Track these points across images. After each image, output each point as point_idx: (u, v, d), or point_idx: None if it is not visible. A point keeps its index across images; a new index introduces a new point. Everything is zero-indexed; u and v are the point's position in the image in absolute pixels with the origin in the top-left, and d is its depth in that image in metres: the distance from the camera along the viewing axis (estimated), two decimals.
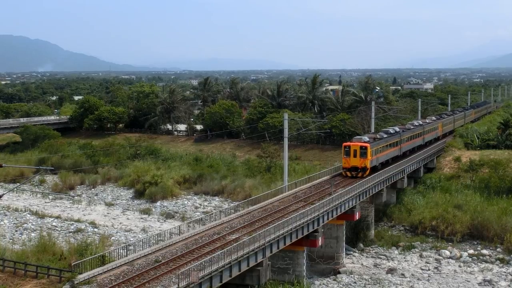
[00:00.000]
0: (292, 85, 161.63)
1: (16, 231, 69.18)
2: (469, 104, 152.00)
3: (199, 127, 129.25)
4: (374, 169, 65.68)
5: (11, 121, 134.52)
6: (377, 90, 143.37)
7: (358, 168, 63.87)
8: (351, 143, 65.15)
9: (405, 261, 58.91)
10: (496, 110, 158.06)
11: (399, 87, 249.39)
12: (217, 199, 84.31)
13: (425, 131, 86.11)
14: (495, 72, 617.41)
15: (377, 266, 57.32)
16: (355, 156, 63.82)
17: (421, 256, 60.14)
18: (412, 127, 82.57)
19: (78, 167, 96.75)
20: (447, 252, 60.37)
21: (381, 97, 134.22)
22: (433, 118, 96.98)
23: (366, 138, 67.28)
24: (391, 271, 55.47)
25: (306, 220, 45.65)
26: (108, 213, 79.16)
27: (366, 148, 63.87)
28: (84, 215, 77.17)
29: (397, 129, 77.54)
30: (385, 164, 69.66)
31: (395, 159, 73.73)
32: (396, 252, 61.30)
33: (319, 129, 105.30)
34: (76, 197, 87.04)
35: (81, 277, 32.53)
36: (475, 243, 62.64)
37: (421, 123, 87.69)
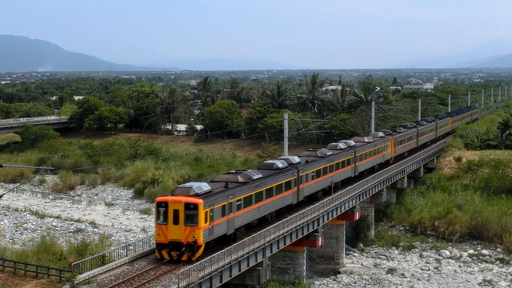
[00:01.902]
0: (292, 85, 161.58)
1: (16, 231, 69.17)
2: (449, 110, 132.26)
3: (199, 127, 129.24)
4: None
5: (11, 121, 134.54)
6: (377, 90, 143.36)
7: (183, 244, 35.65)
8: (170, 198, 36.48)
9: (405, 261, 58.92)
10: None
11: (399, 87, 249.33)
12: None
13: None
14: (495, 72, 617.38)
15: (377, 266, 57.32)
16: (176, 222, 35.79)
17: (421, 256, 60.16)
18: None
19: (78, 167, 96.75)
20: (447, 252, 60.38)
21: (381, 97, 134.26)
22: (380, 134, 72.48)
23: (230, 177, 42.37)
24: (391, 271, 55.48)
25: (306, 220, 45.65)
26: (108, 213, 79.15)
27: (196, 207, 35.45)
28: (84, 215, 77.16)
29: (352, 142, 62.87)
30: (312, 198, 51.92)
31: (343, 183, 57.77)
32: (396, 252, 61.31)
33: (319, 129, 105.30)
34: (76, 197, 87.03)
35: (81, 277, 32.51)
36: (475, 243, 62.65)
37: (353, 143, 63.41)
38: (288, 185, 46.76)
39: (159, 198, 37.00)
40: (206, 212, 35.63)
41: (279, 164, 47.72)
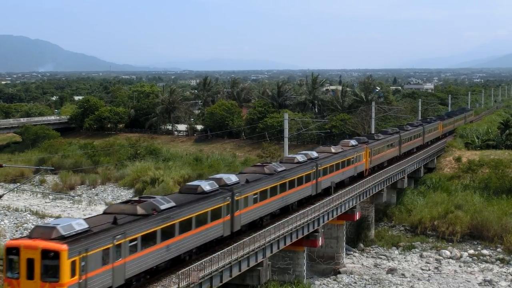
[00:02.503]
0: (293, 85, 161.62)
1: (17, 231, 69.15)
2: (436, 114, 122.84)
3: (199, 127, 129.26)
4: None
5: (12, 121, 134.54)
6: (377, 90, 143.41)
7: None
8: (24, 242, 26.58)
9: (405, 261, 58.92)
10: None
11: (400, 87, 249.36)
12: None
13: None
14: (495, 72, 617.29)
15: (378, 266, 57.33)
16: (30, 276, 26.11)
17: (421, 256, 60.16)
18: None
19: (78, 167, 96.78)
20: (447, 252, 60.39)
21: (381, 97, 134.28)
22: (352, 142, 63.35)
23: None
24: (391, 271, 55.49)
25: (306, 220, 45.65)
26: None
27: (57, 255, 25.82)
28: (85, 215, 77.09)
29: (315, 153, 54.37)
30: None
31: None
32: (396, 252, 61.31)
33: (319, 129, 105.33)
34: (76, 197, 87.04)
35: None
36: (475, 243, 62.67)
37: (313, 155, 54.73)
38: (216, 214, 36.61)
39: (9, 243, 27.15)
40: (73, 262, 25.83)
41: (206, 186, 37.36)
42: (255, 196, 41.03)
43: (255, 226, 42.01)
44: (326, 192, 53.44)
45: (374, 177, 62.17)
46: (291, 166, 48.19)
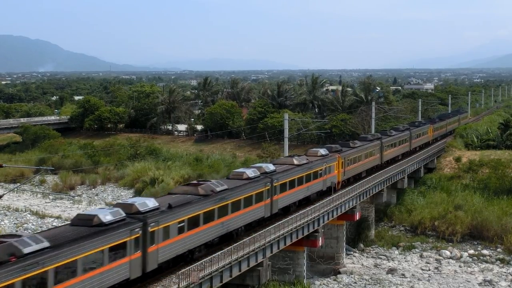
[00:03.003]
0: (293, 85, 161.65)
1: (17, 231, 69.11)
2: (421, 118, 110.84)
3: (199, 127, 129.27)
4: None
5: (12, 121, 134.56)
6: (377, 90, 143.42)
7: None
8: None
9: (405, 261, 58.92)
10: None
11: (400, 87, 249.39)
12: None
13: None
14: (495, 72, 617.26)
15: (378, 266, 57.33)
16: None
17: (421, 256, 60.16)
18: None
19: (78, 167, 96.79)
20: (448, 252, 60.38)
21: (381, 97, 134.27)
22: (321, 152, 55.46)
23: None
24: (391, 271, 55.48)
25: (306, 220, 45.65)
26: None
27: None
28: None
29: (270, 166, 46.24)
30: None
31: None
32: (396, 252, 61.31)
33: (320, 129, 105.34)
34: (76, 197, 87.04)
35: None
36: (475, 243, 62.66)
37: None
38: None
39: None
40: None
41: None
42: (180, 224, 32.96)
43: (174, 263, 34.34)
44: (286, 211, 46.14)
45: (374, 177, 62.00)
46: (237, 184, 39.95)
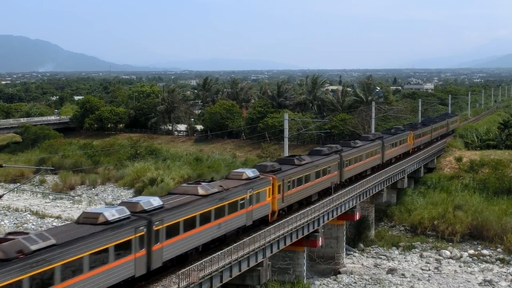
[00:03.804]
0: (293, 85, 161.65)
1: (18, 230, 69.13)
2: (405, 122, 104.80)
3: (199, 127, 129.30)
4: None
5: (12, 121, 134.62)
6: (377, 90, 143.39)
7: None
8: None
9: (405, 261, 58.93)
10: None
11: (400, 87, 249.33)
12: None
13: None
14: (495, 72, 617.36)
15: (378, 266, 57.33)
16: None
17: (421, 256, 60.16)
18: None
19: (78, 167, 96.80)
20: (448, 252, 60.38)
21: (381, 97, 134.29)
22: (247, 174, 42.43)
23: None
24: (391, 271, 55.49)
25: (306, 220, 45.66)
26: None
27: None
28: None
29: (154, 201, 33.08)
30: None
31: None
32: (396, 252, 61.32)
33: (319, 129, 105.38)
34: (76, 197, 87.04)
35: None
36: (475, 243, 62.66)
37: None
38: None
39: None
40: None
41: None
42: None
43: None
44: (184, 257, 34.40)
45: (374, 177, 61.84)
46: (81, 233, 27.74)
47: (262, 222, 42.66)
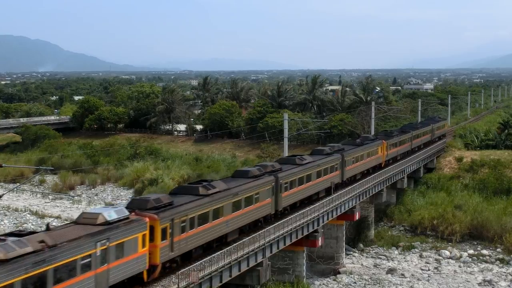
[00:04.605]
0: (292, 85, 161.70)
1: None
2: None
3: (199, 127, 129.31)
4: None
5: (11, 121, 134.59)
6: (377, 90, 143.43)
7: None
8: None
9: (405, 261, 58.94)
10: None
11: (399, 87, 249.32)
12: None
13: None
14: (495, 73, 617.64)
15: (377, 266, 57.34)
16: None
17: (421, 256, 60.18)
18: None
19: (78, 167, 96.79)
20: (447, 252, 60.40)
21: (381, 97, 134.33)
22: (105, 216, 28.28)
23: None
24: (391, 271, 55.50)
25: (306, 220, 45.65)
26: None
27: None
28: None
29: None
30: None
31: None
32: (396, 252, 61.33)
33: (319, 129, 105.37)
34: (76, 197, 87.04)
35: None
36: (475, 243, 62.69)
37: None
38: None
39: None
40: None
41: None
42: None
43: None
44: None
45: (374, 177, 61.71)
46: None
47: (136, 283, 30.09)
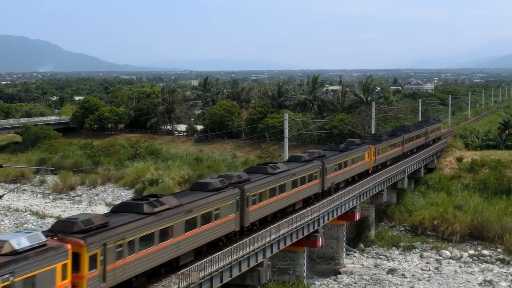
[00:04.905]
0: (293, 85, 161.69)
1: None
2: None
3: (199, 127, 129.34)
4: None
5: (12, 121, 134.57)
6: (377, 90, 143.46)
7: None
8: None
9: (405, 261, 58.93)
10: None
11: (400, 88, 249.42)
12: None
13: None
14: (495, 73, 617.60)
15: (378, 266, 57.34)
16: None
17: (421, 256, 60.17)
18: None
19: (78, 167, 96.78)
20: (448, 253, 60.39)
21: (381, 97, 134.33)
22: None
23: None
24: (391, 271, 55.50)
25: (306, 221, 45.66)
26: None
27: None
28: None
29: None
30: None
31: None
32: (396, 252, 61.33)
33: (320, 129, 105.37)
34: (76, 197, 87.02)
35: None
36: (476, 243, 62.68)
37: None
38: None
39: None
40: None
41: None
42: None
43: None
44: None
45: (374, 177, 61.67)
46: None
47: None
